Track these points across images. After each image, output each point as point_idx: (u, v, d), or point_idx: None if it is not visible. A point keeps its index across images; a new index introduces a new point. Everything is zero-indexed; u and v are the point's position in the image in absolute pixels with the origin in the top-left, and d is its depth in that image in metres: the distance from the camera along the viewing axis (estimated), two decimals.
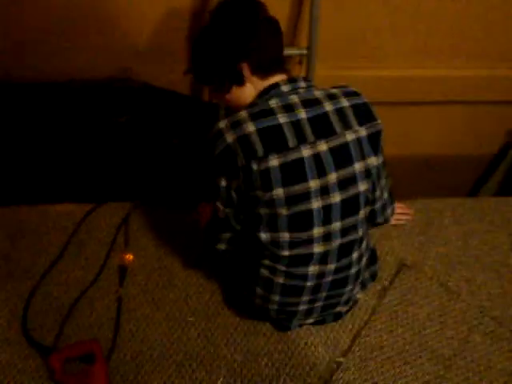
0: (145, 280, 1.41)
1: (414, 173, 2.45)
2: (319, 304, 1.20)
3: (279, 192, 1.00)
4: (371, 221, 1.22)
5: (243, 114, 1.01)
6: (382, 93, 1.94)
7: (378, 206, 1.19)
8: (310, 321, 1.29)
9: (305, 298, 1.16)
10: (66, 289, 1.37)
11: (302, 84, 1.06)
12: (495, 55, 1.93)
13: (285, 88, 1.05)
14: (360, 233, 1.11)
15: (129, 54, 1.79)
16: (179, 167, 1.83)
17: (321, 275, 1.12)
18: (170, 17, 1.69)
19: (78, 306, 1.33)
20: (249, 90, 1.09)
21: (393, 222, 1.50)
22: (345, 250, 1.11)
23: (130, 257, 1.44)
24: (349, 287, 1.19)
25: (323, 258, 1.09)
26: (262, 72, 1.07)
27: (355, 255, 1.14)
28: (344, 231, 1.08)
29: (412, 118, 2.19)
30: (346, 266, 1.13)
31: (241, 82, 1.08)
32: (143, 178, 1.71)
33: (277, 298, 1.17)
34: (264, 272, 1.14)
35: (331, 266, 1.11)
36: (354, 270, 1.16)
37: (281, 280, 1.13)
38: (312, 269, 1.10)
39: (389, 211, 1.27)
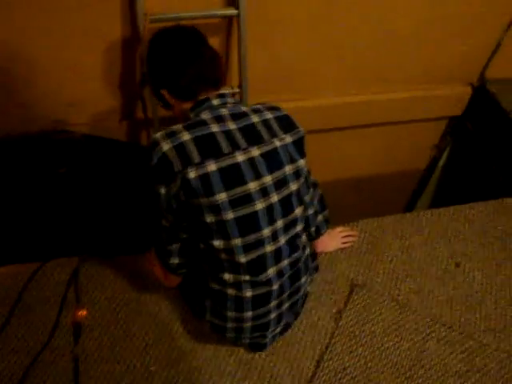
0: (101, 334, 1.37)
1: (349, 195, 2.57)
2: (286, 305, 1.25)
3: (222, 196, 1.04)
4: (306, 229, 1.29)
5: (178, 126, 1.08)
6: (309, 122, 2.03)
7: (310, 212, 1.27)
8: (278, 330, 1.31)
9: (273, 302, 1.20)
10: (17, 357, 1.30)
11: (230, 99, 1.15)
12: (409, 79, 2.09)
13: (215, 102, 1.12)
14: (299, 227, 1.19)
15: (61, 106, 1.78)
16: (123, 213, 1.82)
17: (280, 273, 1.17)
18: (101, 67, 1.71)
19: (30, 373, 1.27)
20: (182, 107, 1.18)
21: (340, 245, 1.57)
22: (291, 245, 1.18)
23: (83, 313, 1.40)
24: (303, 279, 1.26)
25: (276, 257, 1.15)
26: (183, 98, 1.17)
27: (300, 246, 1.22)
28: (286, 227, 1.15)
29: (341, 142, 2.31)
30: (296, 260, 1.21)
31: (167, 105, 1.23)
32: (88, 229, 1.68)
33: (249, 313, 1.19)
34: (231, 293, 1.16)
35: (285, 262, 1.18)
36: (303, 260, 1.24)
37: (249, 293, 1.16)
38: (271, 270, 1.15)
39: (320, 217, 1.35)
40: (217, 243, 1.10)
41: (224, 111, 1.11)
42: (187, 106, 1.16)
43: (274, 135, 1.11)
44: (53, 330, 1.36)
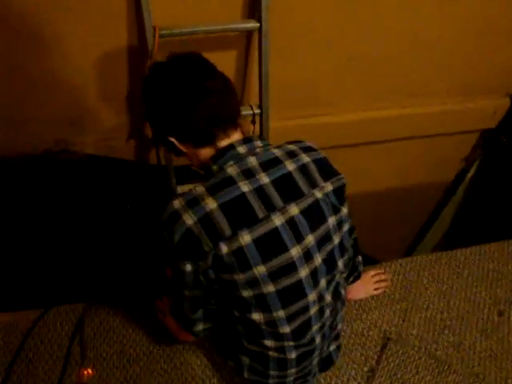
0: None
1: (372, 208, 2.41)
2: (326, 345, 1.15)
3: (260, 269, 0.90)
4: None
5: (199, 188, 0.91)
6: (334, 138, 1.89)
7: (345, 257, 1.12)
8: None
9: (316, 353, 1.10)
10: None
11: (259, 143, 0.98)
12: (443, 92, 1.92)
13: (241, 149, 0.95)
14: (340, 278, 1.10)
15: (62, 125, 1.62)
16: (133, 252, 1.68)
17: (322, 326, 1.07)
18: (106, 83, 1.54)
19: None
20: (198, 154, 0.99)
21: (373, 292, 1.43)
22: (334, 297, 1.08)
23: (88, 371, 1.26)
24: (339, 326, 1.18)
25: (320, 315, 1.04)
26: (198, 145, 0.97)
27: (342, 294, 1.14)
28: (329, 283, 1.03)
29: (365, 157, 2.14)
30: (336, 312, 1.13)
31: (178, 153, 1.01)
32: (93, 268, 1.53)
33: (293, 370, 1.08)
34: (273, 355, 1.04)
35: (327, 313, 1.06)
36: (339, 315, 1.16)
37: (293, 355, 1.05)
38: (315, 328, 1.04)
39: (354, 263, 1.22)
40: (256, 317, 0.97)
41: (252, 161, 0.93)
42: (205, 153, 0.98)
43: (313, 185, 0.95)
44: None
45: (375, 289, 1.43)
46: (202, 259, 0.90)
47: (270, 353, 1.05)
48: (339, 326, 1.19)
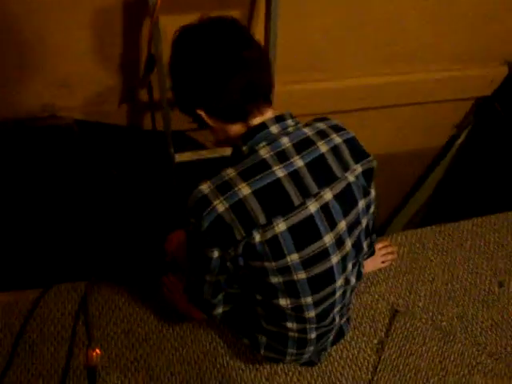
0: (121, 377, 1.21)
1: None
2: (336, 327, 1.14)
3: (294, 257, 0.87)
4: None
5: (231, 172, 0.84)
6: (332, 103, 1.84)
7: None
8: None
9: (333, 331, 1.11)
10: None
11: (290, 122, 0.90)
12: (443, 59, 1.88)
13: (274, 129, 0.88)
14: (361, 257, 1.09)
15: (50, 88, 1.49)
16: (131, 218, 1.60)
17: (342, 307, 1.07)
18: (99, 43, 1.42)
19: None
20: (227, 130, 0.91)
21: (380, 265, 1.43)
22: (357, 277, 1.08)
23: (96, 352, 1.21)
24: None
25: (343, 297, 1.03)
26: (228, 120, 0.90)
27: (362, 272, 1.14)
28: (353, 267, 1.02)
29: (362, 122, 2.10)
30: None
31: (204, 126, 0.93)
32: (94, 244, 1.46)
33: (312, 348, 1.08)
34: (294, 335, 1.03)
35: (347, 294, 1.06)
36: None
37: (314, 335, 1.03)
38: (337, 309, 1.04)
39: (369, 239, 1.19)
40: (283, 302, 0.94)
41: (286, 142, 0.87)
42: (235, 129, 0.90)
43: (346, 168, 0.90)
44: (63, 376, 1.19)
45: (382, 261, 1.43)
46: (233, 247, 0.85)
47: (291, 333, 1.03)
48: (352, 301, 1.20)
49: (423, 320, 1.37)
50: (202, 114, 0.89)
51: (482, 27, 1.79)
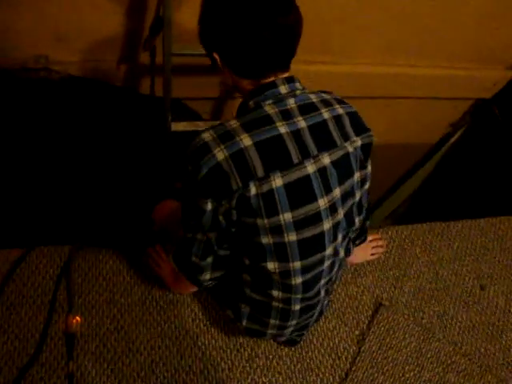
0: (99, 348, 1.18)
1: None
2: (320, 304, 1.14)
3: (287, 216, 0.86)
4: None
5: (234, 123, 0.85)
6: (333, 88, 1.80)
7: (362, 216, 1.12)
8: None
9: (317, 308, 1.11)
10: None
11: (299, 85, 0.91)
12: (451, 56, 1.87)
13: (282, 89, 0.88)
14: (352, 234, 1.11)
15: (45, 38, 1.41)
16: (120, 182, 1.55)
17: (328, 282, 1.07)
18: None
19: None
20: (237, 81, 0.92)
21: (369, 257, 1.43)
22: (345, 252, 1.09)
23: (76, 319, 1.19)
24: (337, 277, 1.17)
25: (330, 269, 1.03)
26: (241, 75, 0.90)
27: (351, 249, 1.16)
28: (343, 238, 1.02)
29: (360, 109, 2.08)
30: (341, 262, 1.11)
31: (216, 69, 0.92)
32: (82, 207, 1.41)
33: (294, 321, 1.07)
34: (278, 305, 1.02)
35: (334, 270, 1.06)
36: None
37: (297, 307, 1.03)
38: (323, 281, 1.03)
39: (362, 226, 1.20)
40: (271, 266, 0.93)
41: (291, 102, 0.88)
42: (245, 84, 0.90)
43: (346, 138, 0.92)
44: (41, 340, 1.16)
45: (372, 254, 1.43)
46: (227, 198, 0.84)
47: (275, 303, 1.02)
48: (336, 282, 1.21)
49: (405, 315, 1.39)
50: (217, 58, 0.88)
51: (491, 30, 1.78)
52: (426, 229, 1.55)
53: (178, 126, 1.55)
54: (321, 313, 1.20)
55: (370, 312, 1.38)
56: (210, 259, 0.97)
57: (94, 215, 1.44)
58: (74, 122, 1.56)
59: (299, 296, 1.00)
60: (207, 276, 1.00)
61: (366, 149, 0.98)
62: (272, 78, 0.88)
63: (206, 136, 0.84)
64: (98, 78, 1.56)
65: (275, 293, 0.99)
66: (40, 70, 1.48)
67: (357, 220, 1.05)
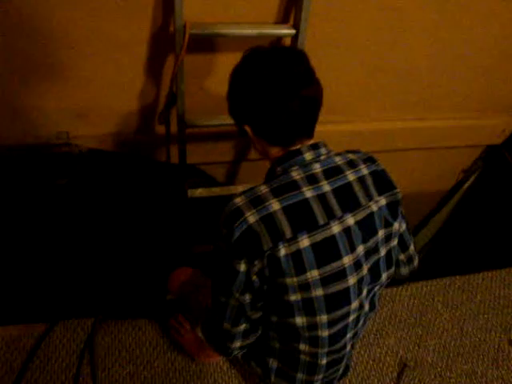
0: None
1: None
2: (346, 359, 1.14)
3: (314, 274, 0.90)
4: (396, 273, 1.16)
5: (263, 188, 0.91)
6: (344, 145, 1.83)
7: (402, 257, 1.13)
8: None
9: (344, 361, 1.11)
10: None
11: (324, 151, 0.97)
12: (459, 107, 1.90)
13: (308, 156, 0.95)
14: (380, 289, 1.09)
15: (67, 116, 1.49)
16: (142, 253, 1.58)
17: (354, 335, 1.08)
18: (120, 76, 1.43)
19: None
20: (267, 149, 0.98)
21: None
22: (370, 306, 1.08)
23: None
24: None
25: (356, 323, 1.04)
26: (271, 143, 0.96)
27: (376, 303, 1.12)
28: (369, 292, 1.04)
29: None
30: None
31: (244, 136, 0.98)
32: (104, 281, 1.44)
33: (321, 376, 1.07)
34: (305, 358, 1.03)
35: (360, 323, 1.06)
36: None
37: (324, 361, 1.04)
38: (349, 335, 1.04)
39: (415, 263, 1.19)
40: (299, 320, 0.95)
41: (317, 168, 0.94)
42: (275, 151, 0.97)
43: (370, 198, 0.96)
44: None
45: None
46: (259, 258, 0.88)
47: (302, 356, 1.03)
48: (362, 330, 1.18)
49: (432, 376, 1.35)
50: (249, 130, 0.96)
51: (496, 80, 1.83)
52: (446, 283, 1.53)
53: (195, 193, 1.60)
54: (347, 367, 1.19)
55: (395, 374, 1.35)
56: (242, 326, 0.99)
57: (114, 286, 1.46)
58: (93, 192, 1.61)
59: (326, 350, 1.01)
60: (237, 344, 1.02)
61: (393, 206, 1.00)
62: (298, 146, 0.95)
63: (238, 201, 0.90)
64: (117, 149, 1.63)
65: (302, 346, 1.01)
66: (61, 145, 1.56)
67: (384, 275, 1.05)
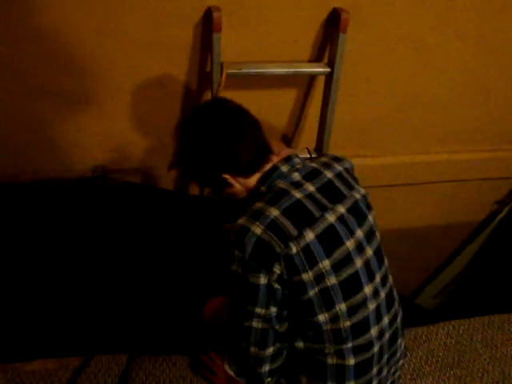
0: None
1: (401, 244, 2.37)
2: (385, 371, 1.12)
3: (325, 264, 0.97)
4: None
5: (259, 204, 0.99)
6: (375, 178, 1.84)
7: None
8: None
9: (374, 369, 1.08)
10: None
11: (297, 160, 1.08)
12: (492, 139, 1.89)
13: (284, 168, 1.05)
14: (390, 279, 1.12)
15: (102, 151, 1.54)
16: (177, 288, 1.59)
17: (380, 334, 1.07)
18: (156, 114, 1.48)
19: None
20: (247, 183, 1.08)
21: None
22: (389, 298, 1.10)
23: None
24: (399, 340, 1.14)
25: (378, 314, 1.06)
26: (247, 174, 1.06)
27: (396, 299, 1.14)
28: (383, 280, 1.08)
29: (402, 196, 2.09)
30: (394, 315, 1.11)
31: (229, 186, 1.08)
32: (138, 316, 1.44)
33: (352, 383, 1.06)
34: (331, 361, 1.04)
35: (385, 319, 1.08)
36: (399, 318, 1.14)
37: (352, 361, 1.03)
38: (373, 330, 1.05)
39: None
40: (321, 317, 0.99)
41: (296, 176, 1.04)
42: (254, 179, 1.07)
43: (351, 188, 1.07)
44: None
45: None
46: (277, 263, 0.94)
47: (329, 360, 1.03)
48: (397, 357, 1.16)
49: None
50: (228, 177, 1.05)
51: None
52: (485, 322, 1.49)
53: (227, 225, 1.61)
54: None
55: None
56: (270, 349, 1.02)
57: (149, 320, 1.47)
58: (130, 226, 1.63)
59: (350, 344, 1.02)
60: (267, 367, 1.04)
61: (366, 199, 1.11)
62: (270, 164, 1.06)
63: (241, 221, 0.97)
64: (150, 183, 1.66)
65: (327, 347, 1.02)
66: (97, 178, 1.60)
67: (385, 259, 1.11)
